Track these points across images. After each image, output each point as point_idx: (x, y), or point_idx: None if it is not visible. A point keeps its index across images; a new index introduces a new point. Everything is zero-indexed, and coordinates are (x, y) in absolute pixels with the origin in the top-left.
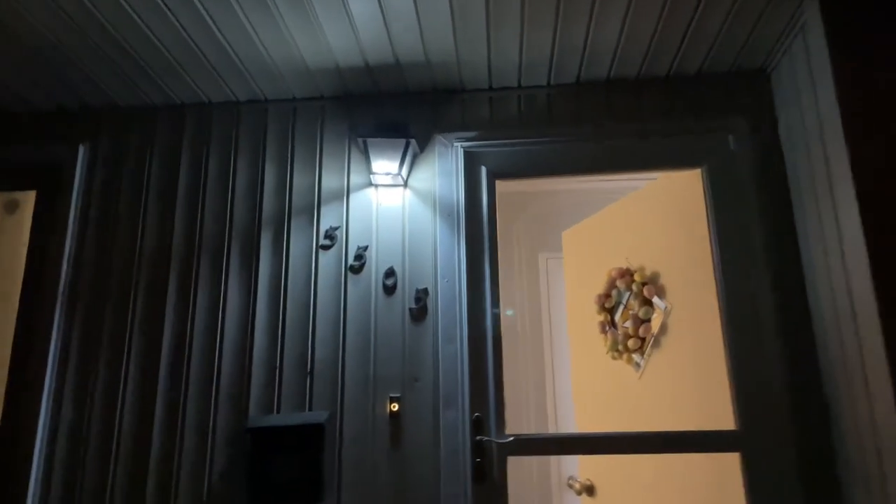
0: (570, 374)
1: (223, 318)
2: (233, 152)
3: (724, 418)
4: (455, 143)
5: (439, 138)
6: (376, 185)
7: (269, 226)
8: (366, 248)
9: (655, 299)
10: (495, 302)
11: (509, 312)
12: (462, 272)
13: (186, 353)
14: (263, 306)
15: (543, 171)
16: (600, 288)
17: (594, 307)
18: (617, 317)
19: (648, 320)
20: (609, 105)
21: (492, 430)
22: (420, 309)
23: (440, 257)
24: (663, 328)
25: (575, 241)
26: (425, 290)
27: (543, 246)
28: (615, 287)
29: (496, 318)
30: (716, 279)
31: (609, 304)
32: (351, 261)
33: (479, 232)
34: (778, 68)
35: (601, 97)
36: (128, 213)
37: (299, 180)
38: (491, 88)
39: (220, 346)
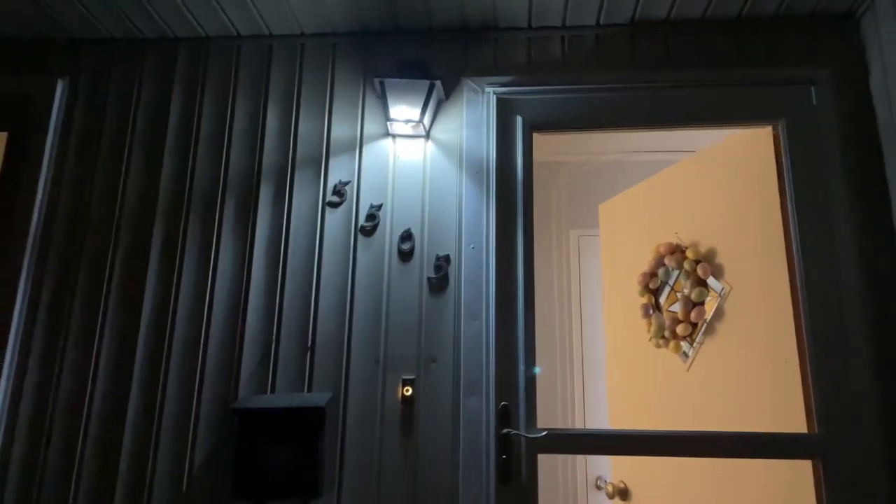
0: (604, 365)
1: (213, 281)
2: (231, 93)
3: (790, 419)
4: (487, 89)
5: (468, 83)
6: (394, 136)
7: (269, 178)
8: (379, 206)
9: (711, 280)
10: (529, 273)
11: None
12: (491, 238)
13: (169, 321)
14: (260, 270)
15: (590, 123)
16: (644, 266)
17: (635, 288)
18: (662, 299)
19: (702, 303)
20: (668, 49)
21: (521, 423)
22: (440, 279)
23: (465, 220)
24: (719, 313)
25: (614, 213)
26: (447, 258)
27: (575, 222)
28: (663, 265)
29: (530, 292)
30: (794, 258)
31: (654, 285)
32: (362, 221)
33: (512, 192)
34: (872, 11)
35: (659, 40)
36: (109, 158)
37: (306, 127)
38: (530, 27)
39: (208, 313)
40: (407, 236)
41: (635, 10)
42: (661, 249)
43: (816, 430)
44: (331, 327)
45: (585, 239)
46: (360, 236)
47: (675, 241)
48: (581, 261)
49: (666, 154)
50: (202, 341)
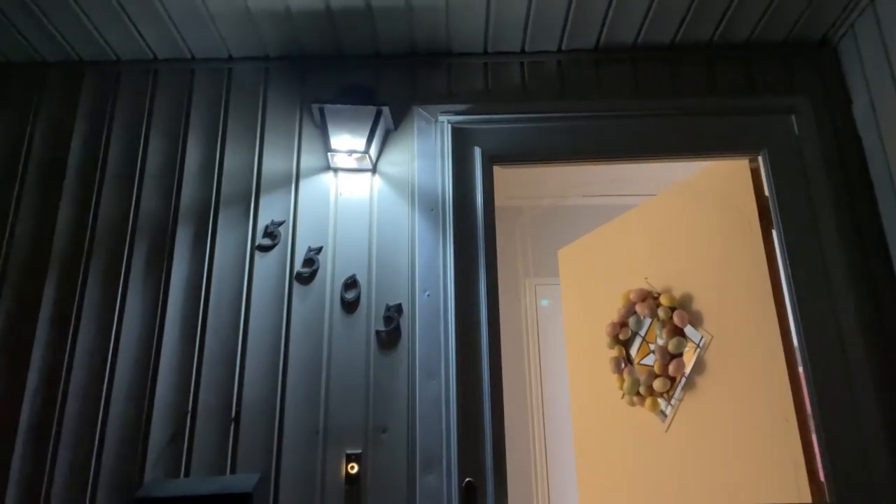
0: (569, 425)
1: (116, 340)
2: (144, 122)
3: (787, 486)
4: (440, 118)
5: (419, 111)
6: (335, 169)
7: (188, 218)
8: (319, 250)
9: (689, 329)
10: (494, 323)
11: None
12: (449, 283)
13: (60, 386)
14: (174, 326)
15: (554, 154)
16: (612, 315)
17: (603, 340)
18: (633, 351)
19: (680, 355)
20: (636, 76)
21: (489, 502)
22: (391, 332)
23: (419, 264)
24: (699, 365)
25: (575, 259)
26: (398, 308)
27: (531, 270)
28: (634, 314)
29: (496, 345)
30: (784, 301)
31: (625, 336)
32: (298, 267)
33: (472, 229)
34: (850, 37)
35: (627, 67)
36: None
37: (233, 160)
38: (486, 52)
39: (108, 379)
40: (351, 283)
41: (600, 35)
42: (632, 296)
43: (829, 500)
44: (260, 393)
45: (543, 288)
46: (295, 284)
47: (645, 286)
48: (539, 313)
49: (626, 198)
50: (100, 414)
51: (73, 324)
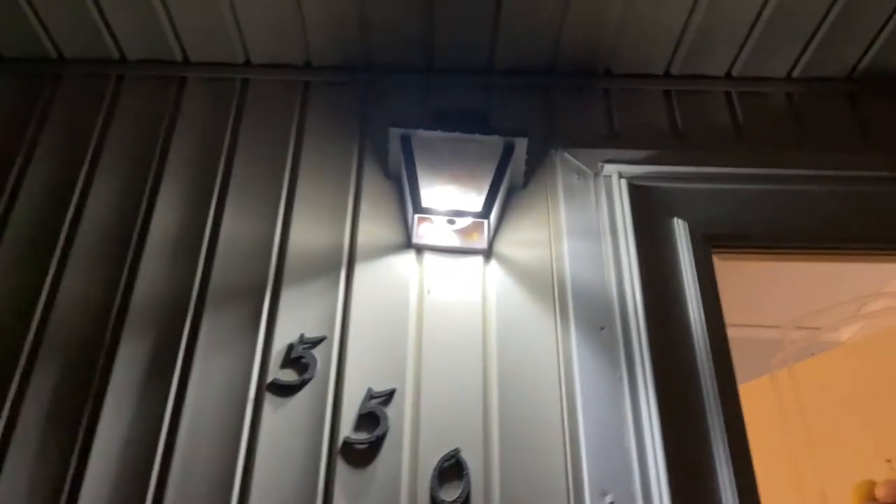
0: None
1: None
2: (90, 157)
3: None
4: (606, 168)
5: (564, 157)
6: (420, 248)
7: (140, 328)
8: (389, 396)
9: None
10: None
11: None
12: (655, 477)
13: None
14: None
15: (813, 232)
16: None
17: None
18: None
19: None
20: None
21: None
22: None
23: (586, 434)
24: None
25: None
26: None
27: None
28: None
29: None
30: None
31: None
32: (348, 430)
33: (688, 366)
34: None
35: None
36: None
37: (234, 227)
38: (668, 75)
39: None
40: (451, 468)
41: (861, 57)
42: (879, 494)
43: None
44: None
45: None
46: (340, 464)
47: (892, 475)
48: None
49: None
50: None
51: None
